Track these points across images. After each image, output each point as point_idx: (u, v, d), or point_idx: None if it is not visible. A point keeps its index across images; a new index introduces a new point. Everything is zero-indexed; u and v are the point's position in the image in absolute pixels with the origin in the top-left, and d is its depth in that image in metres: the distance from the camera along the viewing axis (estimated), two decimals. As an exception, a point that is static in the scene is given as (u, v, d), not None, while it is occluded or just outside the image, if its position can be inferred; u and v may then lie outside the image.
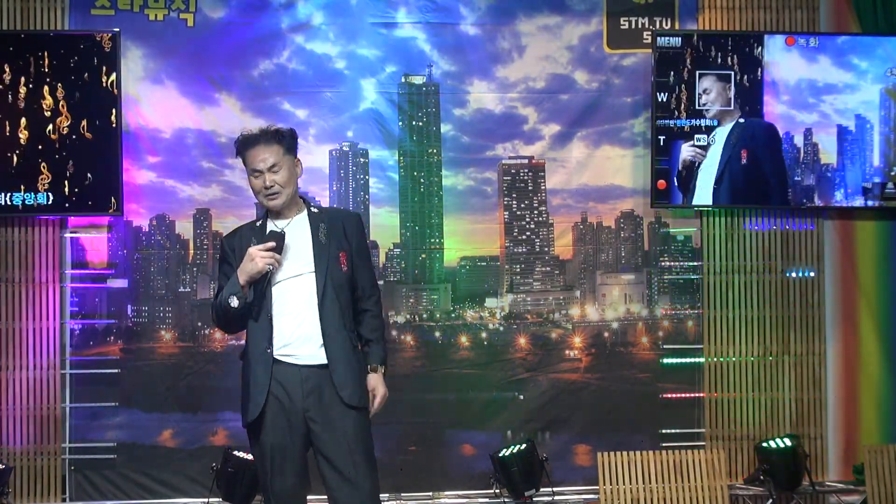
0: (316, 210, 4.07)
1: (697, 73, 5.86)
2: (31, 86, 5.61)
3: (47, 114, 5.62)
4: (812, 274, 6.10)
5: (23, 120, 5.61)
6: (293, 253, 3.91)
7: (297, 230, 3.96)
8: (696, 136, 5.86)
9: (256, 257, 3.78)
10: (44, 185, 5.64)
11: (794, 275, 6.10)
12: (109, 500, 5.83)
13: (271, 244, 3.81)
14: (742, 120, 5.89)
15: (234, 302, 3.82)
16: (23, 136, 5.61)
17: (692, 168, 5.86)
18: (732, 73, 5.88)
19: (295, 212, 4.01)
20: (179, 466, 5.91)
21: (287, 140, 3.96)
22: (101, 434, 5.87)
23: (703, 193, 5.89)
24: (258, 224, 4.05)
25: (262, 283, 3.87)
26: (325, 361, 3.85)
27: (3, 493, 5.56)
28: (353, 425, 3.88)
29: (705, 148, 5.87)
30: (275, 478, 3.91)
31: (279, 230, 3.90)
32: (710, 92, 5.87)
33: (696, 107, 5.85)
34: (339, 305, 3.92)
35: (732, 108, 5.88)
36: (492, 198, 6.13)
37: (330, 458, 3.85)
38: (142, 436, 5.90)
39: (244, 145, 3.95)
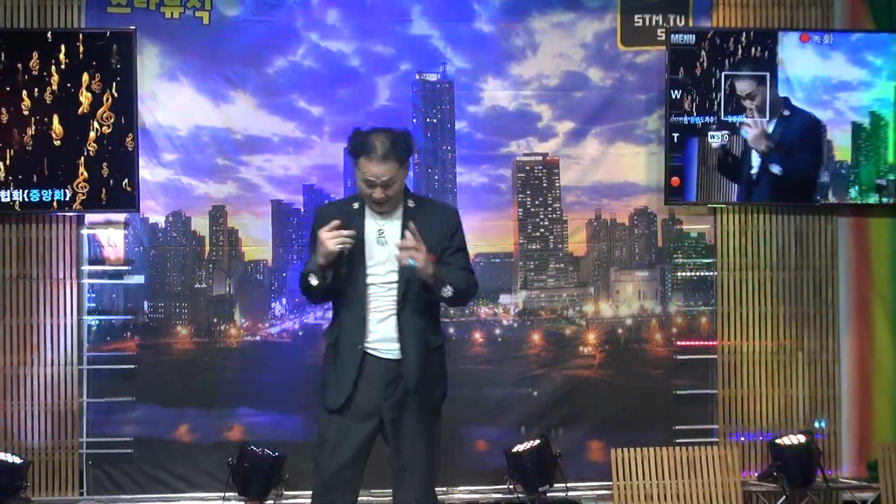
0: (412, 205, 4.02)
1: (726, 75, 5.83)
2: (45, 84, 5.62)
3: (66, 111, 5.63)
4: (826, 271, 6.10)
5: (35, 118, 5.63)
6: (388, 253, 3.92)
7: (392, 229, 3.96)
8: (709, 133, 5.86)
9: (326, 241, 3.78)
10: (61, 182, 5.66)
11: (807, 271, 6.10)
12: (126, 494, 5.87)
13: (336, 223, 3.80)
14: (787, 113, 5.89)
15: (314, 280, 3.87)
16: (37, 133, 5.63)
17: (735, 160, 5.90)
18: (767, 73, 5.85)
19: (395, 209, 3.99)
20: (195, 461, 5.93)
21: (402, 154, 3.85)
22: (118, 429, 5.90)
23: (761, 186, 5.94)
24: (355, 205, 4.01)
25: (356, 273, 3.91)
26: (400, 357, 3.94)
27: (22, 487, 5.62)
28: (421, 422, 3.96)
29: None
30: (330, 454, 3.97)
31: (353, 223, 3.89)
32: (755, 96, 5.84)
33: (715, 105, 5.85)
34: (419, 309, 3.95)
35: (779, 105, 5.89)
36: (506, 195, 6.13)
37: (395, 448, 3.97)
38: (158, 430, 5.93)
39: (361, 151, 3.84)
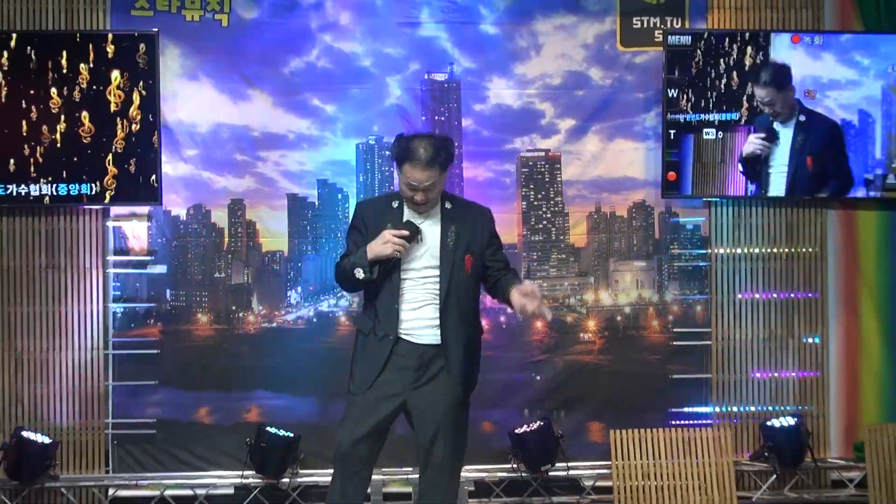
0: (450, 206, 4.07)
1: (753, 86, 5.85)
2: (74, 83, 5.64)
3: (93, 109, 5.66)
4: (815, 261, 6.10)
5: (63, 115, 5.65)
6: (424, 250, 3.98)
7: (431, 228, 4.01)
8: (704, 129, 5.86)
9: (389, 242, 3.84)
10: (88, 177, 5.69)
11: (798, 261, 6.10)
12: (150, 473, 5.88)
13: (405, 233, 3.86)
14: (803, 118, 5.88)
15: (360, 274, 3.91)
16: (66, 130, 5.65)
17: (757, 160, 5.88)
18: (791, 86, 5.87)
19: (433, 206, 4.03)
20: (215, 442, 5.96)
21: (442, 161, 3.88)
22: (141, 411, 5.93)
23: (776, 186, 5.94)
24: (394, 204, 4.05)
25: (390, 267, 3.95)
26: (439, 342, 3.98)
27: (51, 466, 5.67)
28: (449, 404, 3.99)
29: (769, 140, 5.88)
30: (350, 429, 4.01)
31: (416, 225, 3.93)
32: (775, 103, 5.85)
33: (711, 104, 5.88)
34: (459, 305, 4.01)
35: (795, 108, 5.90)
36: (510, 189, 6.15)
37: (421, 424, 4.00)
38: (180, 412, 5.96)
39: (406, 157, 3.87)
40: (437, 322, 3.99)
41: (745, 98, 5.89)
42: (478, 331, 4.20)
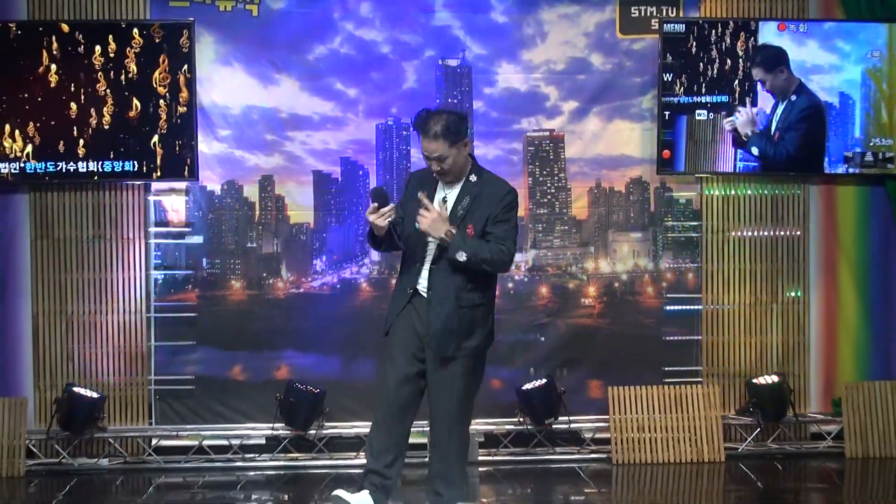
0: (474, 179, 4.06)
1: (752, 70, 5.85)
2: (119, 69, 5.66)
3: (135, 92, 5.68)
4: (798, 233, 6.12)
5: (110, 99, 5.67)
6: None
7: (452, 197, 4.04)
8: (697, 111, 5.88)
9: (373, 224, 3.91)
10: (132, 154, 5.71)
11: (782, 233, 6.11)
12: (189, 425, 5.91)
13: (374, 206, 3.89)
14: (794, 98, 5.88)
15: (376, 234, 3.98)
16: (112, 112, 5.67)
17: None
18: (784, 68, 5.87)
19: (461, 179, 4.05)
20: (248, 396, 5.97)
21: (451, 136, 3.89)
22: (181, 368, 5.95)
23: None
24: (435, 176, 4.06)
25: (416, 239, 4.01)
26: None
27: (100, 418, 5.72)
28: (461, 359, 4.02)
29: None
30: (392, 367, 4.09)
31: (382, 191, 3.97)
32: (765, 82, 5.87)
33: (703, 88, 5.89)
34: (452, 270, 3.96)
35: (790, 89, 5.89)
36: (517, 166, 6.14)
37: (433, 377, 4.05)
38: (216, 370, 5.98)
39: (420, 130, 3.96)
40: (427, 286, 4.02)
41: (735, 82, 5.89)
42: (479, 294, 4.05)
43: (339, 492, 4.13)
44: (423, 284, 4.03)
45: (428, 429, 4.32)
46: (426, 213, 3.88)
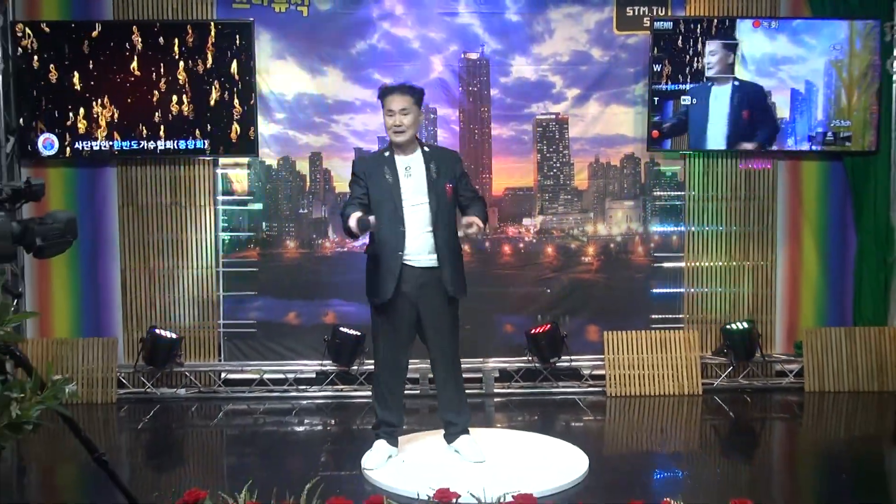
0: (427, 149, 4.14)
1: (706, 39, 5.77)
2: (191, 62, 5.70)
3: (205, 82, 5.72)
4: (768, 201, 6.09)
5: (185, 87, 5.71)
6: (416, 184, 4.04)
7: (417, 165, 4.07)
8: (681, 97, 5.85)
9: (352, 226, 3.87)
10: (203, 133, 5.76)
11: (754, 201, 6.09)
12: (252, 361, 5.99)
13: (361, 218, 3.85)
14: (737, 83, 5.84)
15: (352, 224, 3.88)
16: (189, 98, 5.71)
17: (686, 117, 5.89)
18: (737, 42, 5.79)
19: (412, 150, 4.09)
20: (301, 338, 6.03)
21: (417, 94, 4.04)
22: (245, 314, 6.01)
23: (715, 140, 5.91)
24: (385, 154, 4.12)
25: (388, 197, 3.99)
26: (436, 265, 4.04)
27: (178, 355, 5.84)
28: (448, 311, 4.14)
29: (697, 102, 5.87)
30: (387, 342, 4.15)
31: (370, 220, 3.87)
32: (715, 54, 5.79)
33: (686, 73, 5.84)
34: (448, 225, 4.07)
35: (732, 73, 5.83)
36: (528, 144, 6.12)
37: (431, 330, 4.11)
38: (274, 316, 6.03)
39: (386, 92, 4.02)
40: (433, 246, 4.04)
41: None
42: (460, 247, 4.20)
43: (366, 464, 4.21)
44: (411, 247, 4.03)
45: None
46: (475, 227, 3.96)
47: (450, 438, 4.33)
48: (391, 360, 4.18)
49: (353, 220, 3.88)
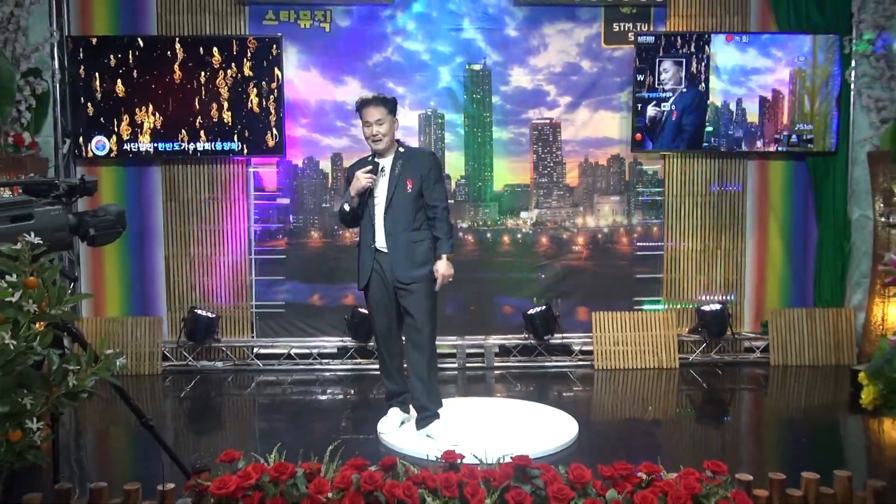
0: (402, 150, 4.06)
1: (658, 59, 5.80)
2: (226, 72, 5.69)
3: (239, 90, 5.71)
4: (738, 196, 6.08)
5: (221, 94, 5.71)
6: (385, 182, 3.99)
7: (387, 164, 4.02)
8: (662, 104, 5.83)
9: (360, 178, 3.91)
10: (238, 136, 5.76)
11: (726, 197, 6.07)
12: (281, 338, 6.01)
13: (370, 167, 3.93)
14: (684, 90, 5.83)
15: (346, 206, 4.00)
16: (226, 105, 5.71)
17: (657, 122, 5.86)
18: (684, 59, 5.80)
19: (391, 153, 4.04)
20: (324, 317, 6.04)
21: (390, 105, 3.97)
22: (274, 296, 6.03)
23: (666, 141, 5.90)
24: (370, 158, 4.09)
25: (368, 199, 3.97)
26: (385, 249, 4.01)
27: (215, 332, 5.86)
28: (420, 291, 3.98)
29: (663, 110, 5.84)
30: (376, 320, 4.13)
31: (378, 163, 3.98)
32: (668, 72, 5.81)
33: (657, 84, 5.83)
34: (402, 215, 3.95)
35: (683, 85, 5.83)
36: (525, 146, 6.12)
37: (405, 311, 4.04)
38: (300, 298, 6.05)
39: (362, 105, 3.98)
40: (384, 235, 3.96)
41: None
42: (422, 237, 4.00)
43: (381, 429, 4.18)
44: (379, 238, 4.01)
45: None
46: (440, 277, 3.95)
47: (421, 424, 4.09)
48: (382, 336, 4.15)
49: (353, 189, 3.96)
